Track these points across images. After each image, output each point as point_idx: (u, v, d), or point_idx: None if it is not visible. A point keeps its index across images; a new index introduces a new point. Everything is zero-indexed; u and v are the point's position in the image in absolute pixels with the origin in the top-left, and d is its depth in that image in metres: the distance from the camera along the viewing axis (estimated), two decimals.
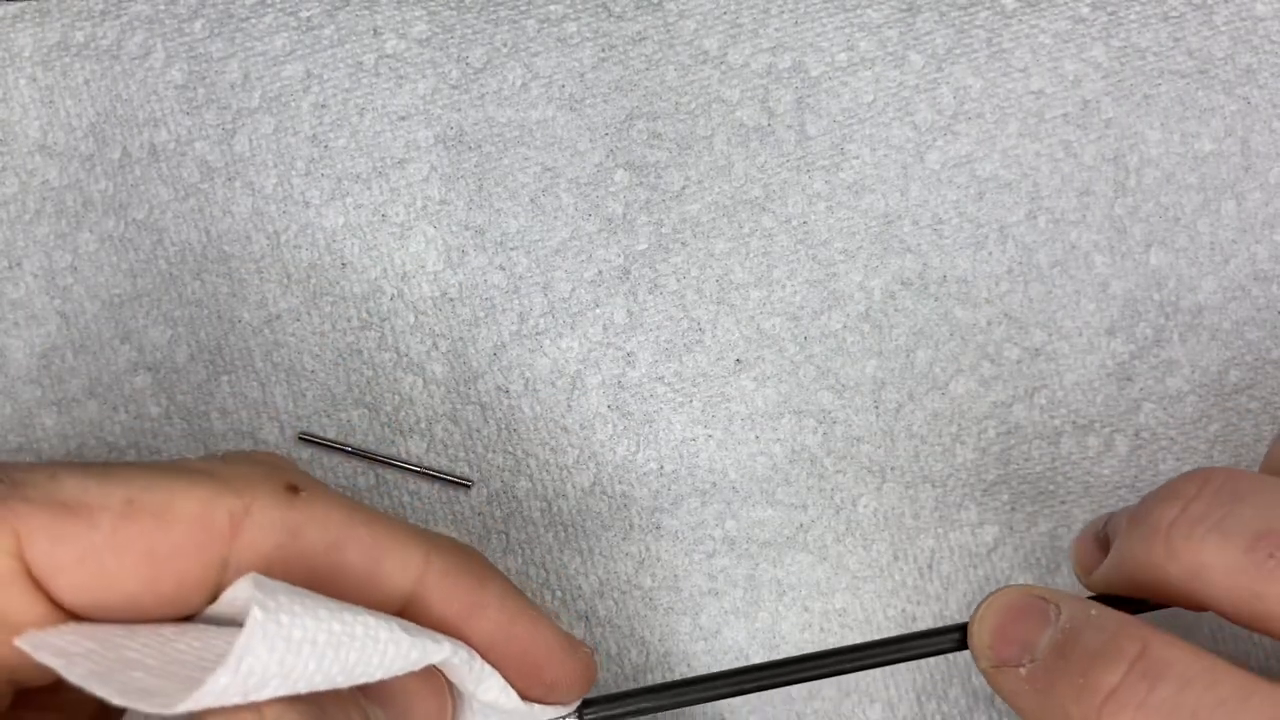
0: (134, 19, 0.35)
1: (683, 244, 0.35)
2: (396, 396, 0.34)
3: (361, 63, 0.35)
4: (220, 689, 0.20)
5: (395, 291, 0.35)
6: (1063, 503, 0.35)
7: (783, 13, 0.36)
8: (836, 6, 0.36)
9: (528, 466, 0.34)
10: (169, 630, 0.23)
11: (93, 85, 0.35)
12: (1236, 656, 0.34)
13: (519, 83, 0.36)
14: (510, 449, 0.35)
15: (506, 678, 0.26)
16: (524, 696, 0.27)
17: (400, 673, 0.23)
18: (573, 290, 0.35)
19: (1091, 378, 0.35)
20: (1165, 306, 0.36)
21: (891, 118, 0.36)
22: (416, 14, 0.36)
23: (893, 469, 0.35)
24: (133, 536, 0.23)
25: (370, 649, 0.23)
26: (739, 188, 0.36)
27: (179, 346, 0.34)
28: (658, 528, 0.34)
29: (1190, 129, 0.36)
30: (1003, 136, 0.36)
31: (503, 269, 0.35)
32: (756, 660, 0.34)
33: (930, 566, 0.35)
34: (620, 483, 0.35)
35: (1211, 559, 0.24)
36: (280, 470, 0.25)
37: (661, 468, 0.35)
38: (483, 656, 0.26)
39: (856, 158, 0.36)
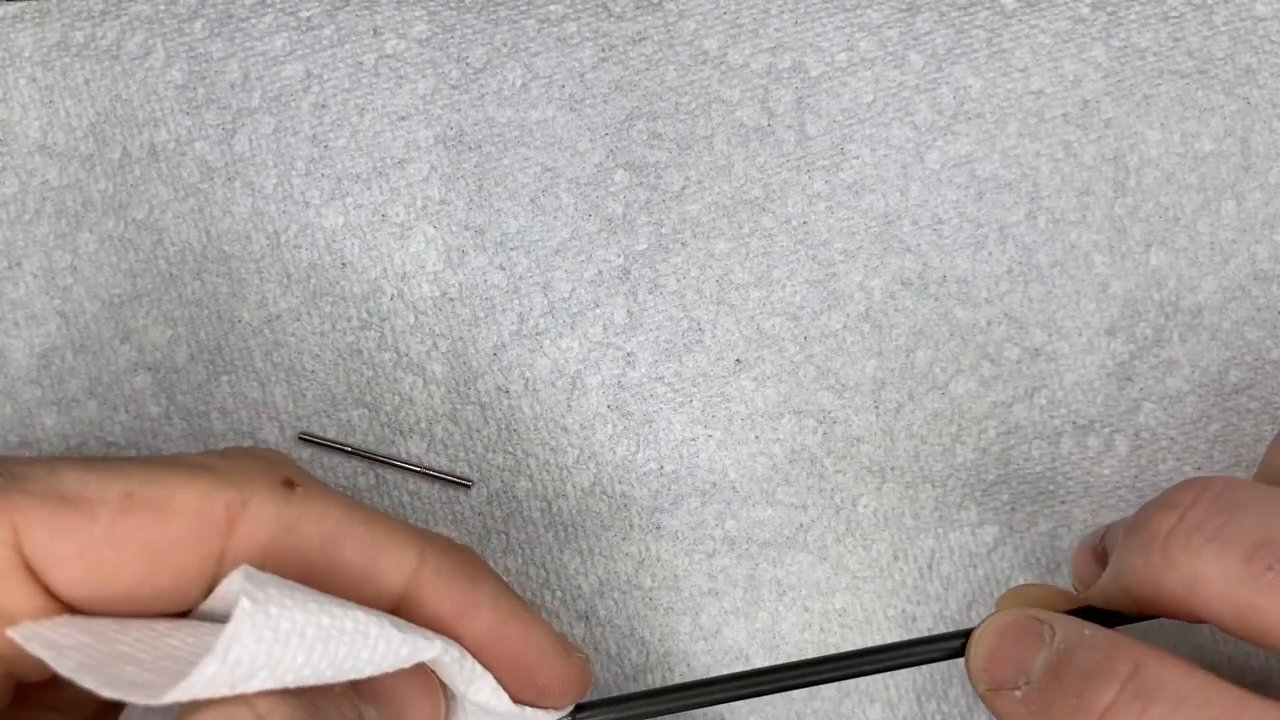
0: (134, 19, 0.35)
1: (683, 244, 0.35)
2: (396, 396, 0.35)
3: (361, 63, 0.35)
4: (208, 678, 0.20)
5: (395, 291, 0.35)
6: (1063, 503, 0.35)
7: (783, 13, 0.36)
8: (836, 6, 0.36)
9: (528, 466, 0.35)
10: (162, 626, 0.23)
11: (93, 85, 0.35)
12: (1237, 659, 0.34)
13: (519, 83, 0.36)
14: (510, 449, 0.35)
15: (499, 679, 0.26)
16: (516, 699, 0.26)
17: (390, 670, 0.23)
18: (573, 290, 0.35)
19: (1091, 378, 0.35)
20: (1165, 306, 0.36)
21: (891, 118, 0.36)
22: (416, 14, 0.36)
23: (893, 469, 0.35)
24: (131, 530, 0.23)
25: (360, 644, 0.22)
26: (739, 188, 0.36)
27: (179, 346, 0.34)
28: (658, 528, 0.34)
29: (1190, 129, 0.36)
30: (1003, 136, 0.36)
31: (503, 269, 0.35)
32: (757, 660, 0.34)
33: (930, 566, 0.35)
34: (620, 483, 0.35)
35: (1209, 569, 0.24)
36: (278, 466, 0.25)
37: (661, 468, 0.35)
38: (475, 657, 0.26)
39: (856, 158, 0.36)
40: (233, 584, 0.23)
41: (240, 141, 0.35)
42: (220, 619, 0.24)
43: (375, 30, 0.36)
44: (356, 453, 0.34)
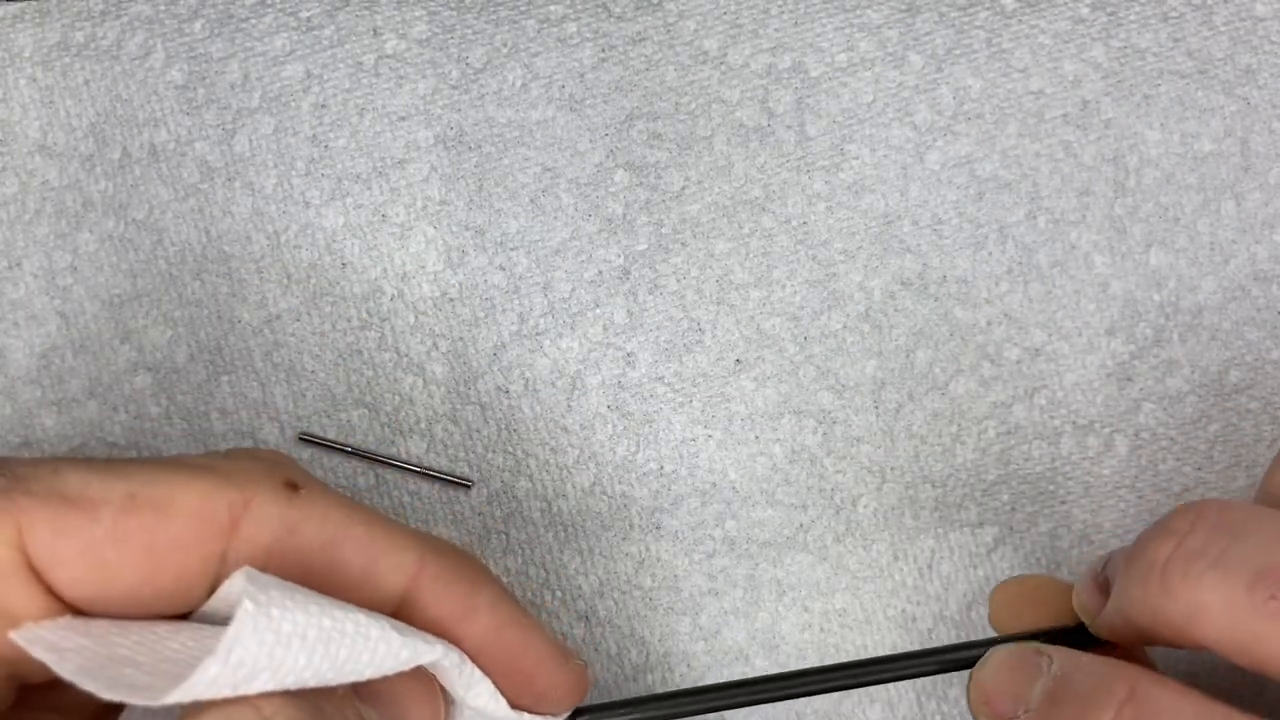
0: (134, 19, 0.35)
1: (683, 244, 0.35)
2: (396, 396, 0.35)
3: (361, 63, 0.35)
4: (209, 679, 0.20)
5: (395, 291, 0.35)
6: (1063, 503, 0.35)
7: (783, 13, 0.36)
8: (836, 7, 0.36)
9: (528, 466, 0.35)
10: (163, 629, 0.23)
11: (93, 85, 0.35)
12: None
13: (519, 83, 0.36)
14: (510, 449, 0.35)
15: (496, 684, 0.26)
16: (514, 704, 0.27)
17: (390, 672, 0.23)
18: (573, 290, 0.35)
19: (1091, 378, 0.35)
20: (1165, 306, 0.36)
21: (891, 118, 0.36)
22: (416, 14, 0.36)
23: (893, 469, 0.35)
24: (133, 530, 0.23)
25: (360, 646, 0.23)
26: (739, 188, 0.36)
27: (179, 346, 0.34)
28: (658, 528, 0.34)
29: (1190, 129, 0.36)
30: (1002, 137, 0.36)
31: (503, 269, 0.35)
32: (757, 660, 0.34)
33: (930, 566, 0.35)
34: (620, 483, 0.35)
35: (1209, 597, 0.24)
36: (280, 467, 0.25)
37: (661, 468, 0.35)
38: (474, 661, 0.26)
39: (856, 158, 0.36)
40: (234, 585, 0.23)
41: (240, 142, 0.35)
42: (221, 621, 0.24)
43: (375, 30, 0.36)
44: (356, 453, 0.34)
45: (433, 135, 0.35)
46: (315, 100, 0.35)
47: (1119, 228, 0.36)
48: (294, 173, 0.35)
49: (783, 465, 0.35)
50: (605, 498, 0.35)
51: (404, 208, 0.35)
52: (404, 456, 0.34)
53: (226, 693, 0.21)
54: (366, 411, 0.34)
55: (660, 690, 0.34)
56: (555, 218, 0.35)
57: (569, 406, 0.35)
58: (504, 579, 0.34)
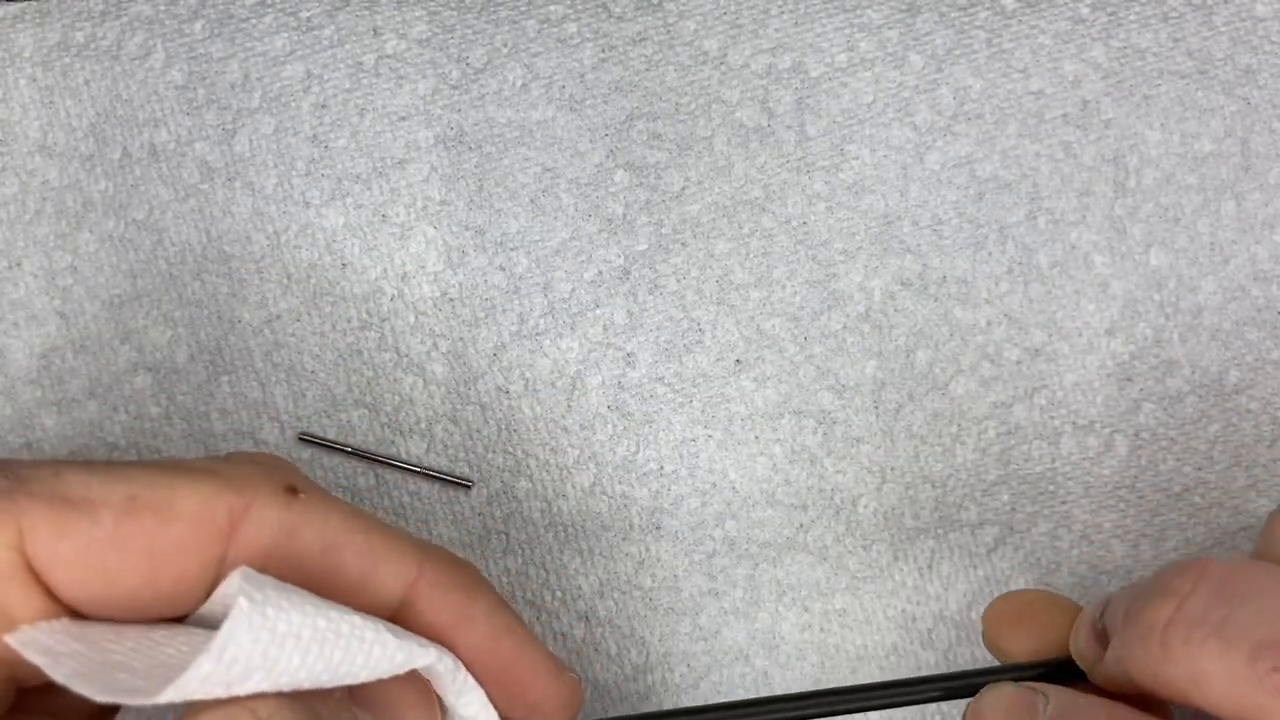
0: (134, 19, 0.35)
1: (683, 244, 0.35)
2: (396, 397, 0.35)
3: (361, 63, 0.35)
4: (203, 676, 0.20)
5: (395, 292, 0.35)
6: (1063, 503, 0.35)
7: (783, 13, 0.36)
8: (836, 7, 0.36)
9: (528, 467, 0.35)
10: (158, 634, 0.23)
11: (93, 85, 0.35)
12: None
13: (519, 83, 0.36)
14: (510, 449, 0.35)
15: (490, 694, 0.26)
16: (506, 716, 0.26)
17: (385, 675, 0.23)
18: (573, 291, 0.35)
19: (1091, 378, 0.35)
20: (1165, 306, 0.36)
21: (891, 118, 0.36)
22: (416, 14, 0.36)
23: (893, 469, 0.35)
24: (133, 532, 0.23)
25: (355, 648, 0.23)
26: (739, 188, 0.36)
27: (179, 347, 0.34)
28: (658, 528, 0.34)
29: (1190, 129, 0.36)
30: (1002, 137, 0.36)
31: (503, 269, 0.35)
32: (756, 660, 0.34)
33: (930, 566, 0.35)
34: (620, 483, 0.35)
35: (1211, 666, 0.23)
36: (280, 472, 0.25)
37: (661, 468, 0.35)
38: (468, 669, 0.26)
39: (856, 158, 0.36)
40: (231, 586, 0.23)
41: (240, 142, 0.35)
42: (217, 625, 0.24)
43: (375, 30, 0.36)
44: (356, 453, 0.34)
45: (433, 135, 0.35)
46: (315, 100, 0.35)
47: (1119, 228, 0.36)
48: (294, 173, 0.35)
49: (783, 465, 0.35)
50: (605, 498, 0.35)
51: (404, 208, 0.35)
52: (404, 457, 0.34)
53: (219, 692, 0.21)
54: (366, 412, 0.34)
55: (660, 690, 0.34)
56: (555, 218, 0.35)
57: (569, 407, 0.35)
58: (504, 579, 0.34)
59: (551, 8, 0.36)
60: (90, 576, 0.23)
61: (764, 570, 0.34)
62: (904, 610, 0.34)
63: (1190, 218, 0.36)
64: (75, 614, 0.23)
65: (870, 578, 0.35)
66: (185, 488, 0.24)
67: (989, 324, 0.36)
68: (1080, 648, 0.27)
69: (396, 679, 0.24)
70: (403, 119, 0.35)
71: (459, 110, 0.36)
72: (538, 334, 0.35)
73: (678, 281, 0.35)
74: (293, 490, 0.25)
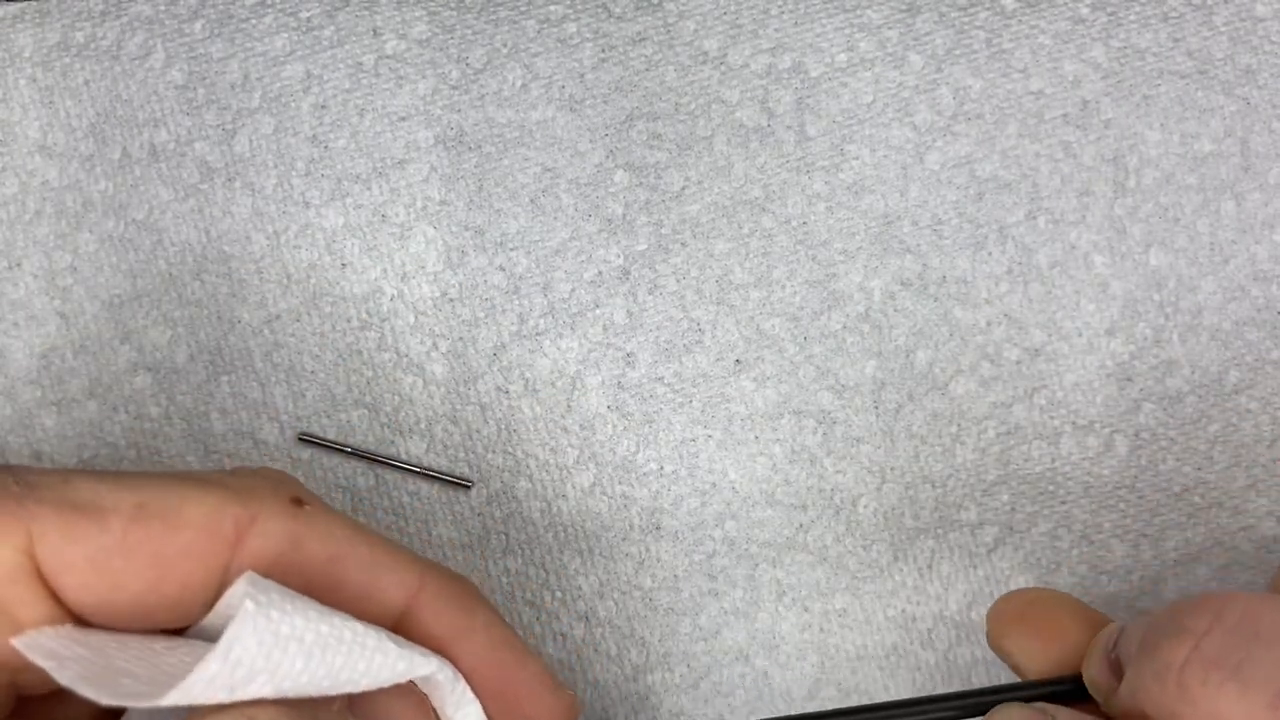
0: (134, 19, 0.35)
1: (683, 244, 0.35)
2: (396, 397, 0.35)
3: (361, 63, 0.35)
4: (208, 677, 0.20)
5: (395, 292, 0.35)
6: (1063, 503, 0.35)
7: (783, 13, 0.36)
8: (836, 7, 0.36)
9: (528, 467, 0.35)
10: (160, 645, 0.23)
11: (93, 85, 0.35)
12: None
13: (519, 83, 0.36)
14: (510, 449, 0.35)
15: (486, 707, 0.26)
16: None
17: (386, 683, 0.24)
18: (573, 290, 0.35)
19: (1091, 378, 0.35)
20: (1165, 306, 0.36)
21: (891, 118, 0.36)
22: (416, 14, 0.36)
23: (893, 469, 0.35)
24: (141, 539, 0.23)
25: (357, 654, 0.23)
26: (739, 188, 0.36)
27: (179, 347, 0.34)
28: (658, 528, 0.34)
29: (1190, 129, 0.36)
30: (1002, 137, 0.36)
31: (503, 269, 0.35)
32: (757, 660, 0.34)
33: (930, 566, 0.35)
34: (620, 483, 0.35)
35: (1230, 709, 0.23)
36: (285, 485, 0.26)
37: (661, 468, 0.35)
38: (466, 681, 0.26)
39: (856, 158, 0.36)
40: (235, 593, 0.23)
41: (240, 142, 0.35)
42: (218, 638, 0.24)
43: (375, 31, 0.36)
44: (356, 453, 0.34)
45: (433, 135, 0.35)
46: (315, 100, 0.35)
47: (1119, 228, 0.36)
48: (294, 173, 0.35)
49: (783, 465, 0.35)
50: (605, 498, 0.35)
51: (404, 208, 0.35)
52: (404, 457, 0.34)
53: (223, 695, 0.21)
54: (366, 412, 0.34)
55: (659, 690, 0.34)
56: (555, 218, 0.35)
57: (569, 407, 0.35)
58: (504, 579, 0.34)
59: (551, 8, 0.36)
60: (97, 581, 0.23)
61: (764, 570, 0.34)
62: (904, 610, 0.34)
63: (1190, 218, 0.36)
64: (80, 620, 0.24)
65: (870, 578, 0.35)
66: (193, 497, 0.24)
67: (989, 324, 0.36)
68: (1094, 677, 0.27)
69: (394, 692, 0.24)
70: (403, 119, 0.35)
71: (459, 110, 0.36)
72: (538, 334, 0.35)
73: (677, 281, 0.35)
74: (298, 502, 0.25)
